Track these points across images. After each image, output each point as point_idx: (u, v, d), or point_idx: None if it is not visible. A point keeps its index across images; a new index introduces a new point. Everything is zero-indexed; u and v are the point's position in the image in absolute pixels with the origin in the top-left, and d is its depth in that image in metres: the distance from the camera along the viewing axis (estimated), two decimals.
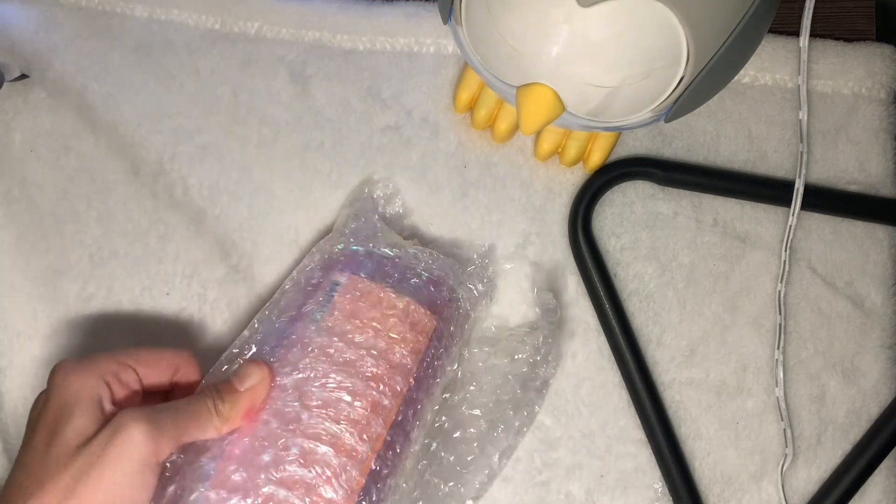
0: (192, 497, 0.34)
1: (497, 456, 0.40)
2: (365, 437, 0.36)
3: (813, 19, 0.46)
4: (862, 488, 0.43)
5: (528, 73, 0.35)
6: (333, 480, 0.35)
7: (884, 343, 0.45)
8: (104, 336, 0.44)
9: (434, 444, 0.40)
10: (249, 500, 0.34)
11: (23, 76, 0.46)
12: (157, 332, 0.44)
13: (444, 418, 0.40)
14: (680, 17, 0.33)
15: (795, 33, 0.46)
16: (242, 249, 0.44)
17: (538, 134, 0.45)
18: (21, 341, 0.43)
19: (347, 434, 0.36)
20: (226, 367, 0.38)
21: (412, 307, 0.39)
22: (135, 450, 0.32)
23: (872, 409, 0.44)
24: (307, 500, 0.34)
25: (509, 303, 0.44)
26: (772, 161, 0.46)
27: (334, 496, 0.35)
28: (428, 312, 0.39)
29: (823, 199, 0.45)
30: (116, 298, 0.44)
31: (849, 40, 0.47)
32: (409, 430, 0.38)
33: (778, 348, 0.44)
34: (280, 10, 0.47)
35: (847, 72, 0.46)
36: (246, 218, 0.45)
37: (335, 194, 0.45)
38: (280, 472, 0.34)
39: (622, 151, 0.46)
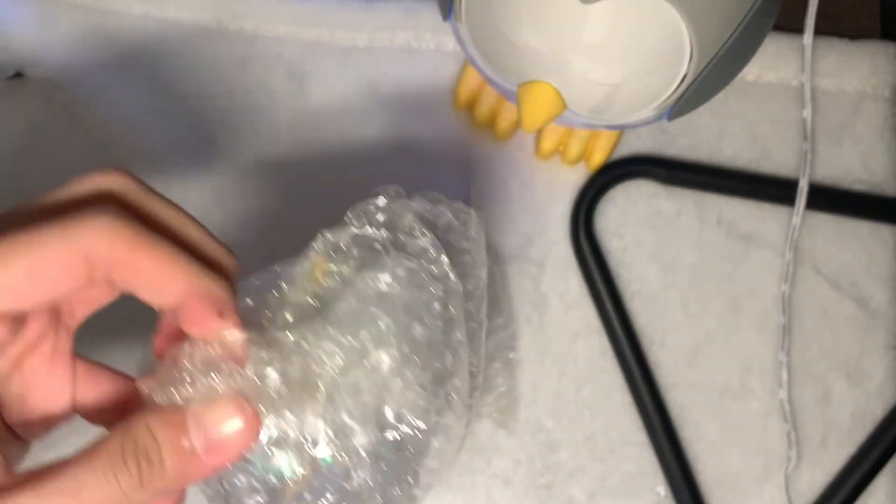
0: None
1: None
2: None
3: (817, 17, 0.45)
4: (867, 491, 0.43)
5: (529, 71, 0.35)
6: None
7: (889, 344, 0.44)
8: (97, 333, 0.43)
9: None
10: None
11: (17, 74, 0.46)
12: (147, 331, 0.43)
13: None
14: (683, 14, 0.32)
15: (799, 30, 0.46)
16: (238, 252, 0.44)
17: (539, 132, 0.45)
18: None
19: None
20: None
21: None
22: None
23: (877, 411, 0.44)
24: None
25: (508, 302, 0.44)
26: (776, 160, 0.46)
27: None
28: None
29: (828, 199, 0.45)
30: None
31: (853, 38, 0.46)
32: None
33: (782, 349, 0.44)
34: (278, 9, 0.47)
35: (851, 70, 0.46)
36: (244, 219, 0.44)
37: (334, 196, 0.45)
38: None
39: (624, 150, 0.46)
